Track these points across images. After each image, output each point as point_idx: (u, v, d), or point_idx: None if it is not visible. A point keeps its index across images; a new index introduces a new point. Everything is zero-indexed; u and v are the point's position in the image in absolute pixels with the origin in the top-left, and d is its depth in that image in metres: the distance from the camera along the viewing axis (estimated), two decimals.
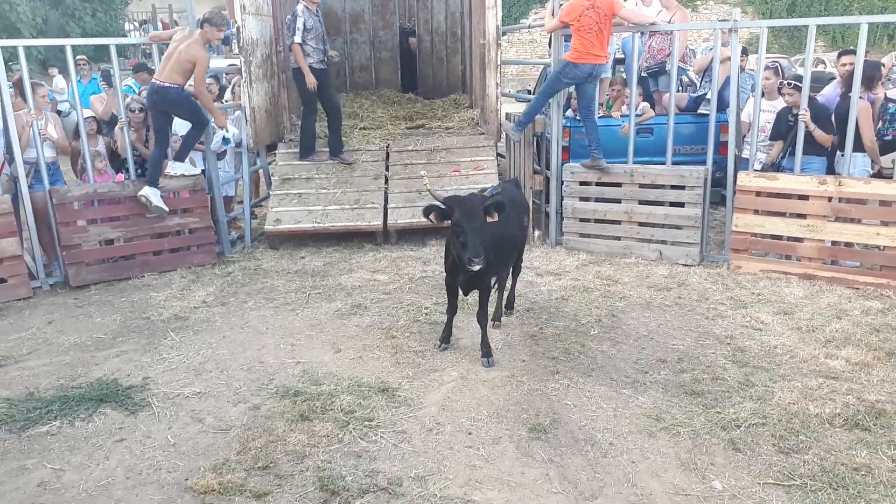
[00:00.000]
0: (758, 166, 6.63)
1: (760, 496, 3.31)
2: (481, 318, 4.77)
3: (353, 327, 5.41)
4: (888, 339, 4.92)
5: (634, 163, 7.05)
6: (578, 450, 3.73)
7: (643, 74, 7.98)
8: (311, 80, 7.64)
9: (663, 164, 6.95)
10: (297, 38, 7.53)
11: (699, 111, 7.79)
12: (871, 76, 6.23)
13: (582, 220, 7.29)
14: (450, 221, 4.36)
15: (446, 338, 5.02)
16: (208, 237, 7.11)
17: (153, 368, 4.77)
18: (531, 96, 9.63)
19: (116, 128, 7.06)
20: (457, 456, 3.70)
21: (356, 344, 5.10)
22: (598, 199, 7.27)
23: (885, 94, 6.66)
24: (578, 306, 5.71)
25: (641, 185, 6.97)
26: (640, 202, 7.00)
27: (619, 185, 7.07)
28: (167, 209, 6.75)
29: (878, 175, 6.42)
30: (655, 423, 3.95)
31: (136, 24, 27.63)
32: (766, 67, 6.71)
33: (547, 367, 4.69)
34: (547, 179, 7.57)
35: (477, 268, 4.24)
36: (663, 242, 6.89)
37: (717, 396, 4.21)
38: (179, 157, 6.95)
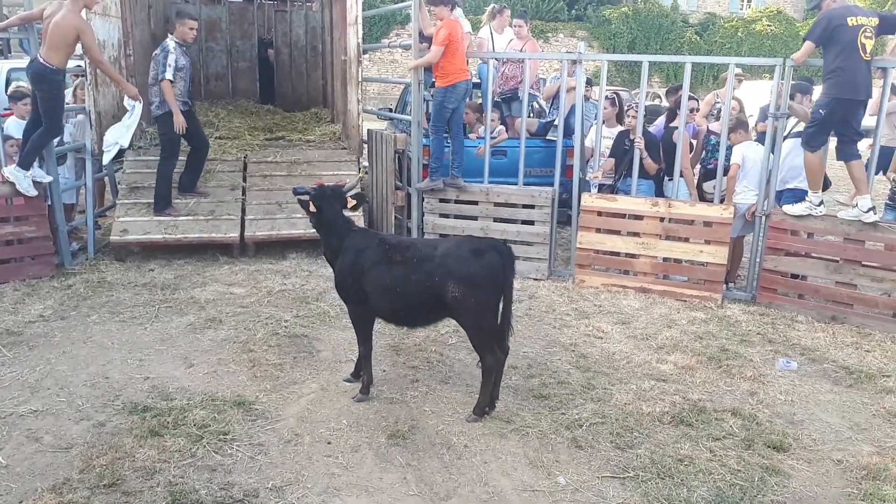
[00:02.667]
0: (594, 190, 7.19)
1: (599, 488, 3.61)
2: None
3: (208, 341, 5.25)
4: (710, 345, 5.50)
5: (489, 183, 7.41)
6: (435, 453, 3.86)
7: (497, 99, 8.40)
8: (179, 120, 7.12)
9: (516, 184, 7.35)
10: (168, 75, 7.02)
11: (548, 136, 8.31)
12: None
13: (442, 235, 7.52)
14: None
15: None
16: (46, 247, 6.60)
17: None
18: (392, 114, 9.85)
19: None
20: (315, 465, 3.71)
21: (210, 358, 4.96)
22: (456, 217, 7.55)
23: (708, 127, 7.48)
24: None
25: (496, 204, 7.32)
26: (495, 220, 7.35)
27: (475, 203, 7.38)
28: (34, 192, 6.39)
29: (702, 199, 7.17)
30: (506, 425, 4.17)
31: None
32: (606, 98, 7.31)
33: (407, 375, 4.81)
34: (408, 195, 7.75)
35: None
36: (516, 258, 7.24)
37: (563, 399, 4.52)
38: (23, 162, 6.39)
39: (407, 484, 3.58)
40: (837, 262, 6.20)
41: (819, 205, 6.21)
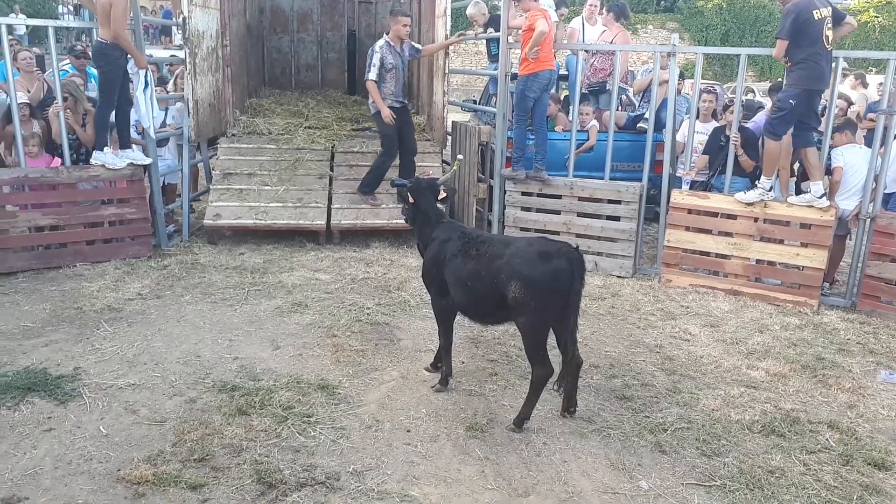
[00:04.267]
0: (686, 187, 6.94)
1: (683, 496, 3.49)
2: None
3: (294, 325, 5.38)
4: (804, 352, 5.23)
5: (574, 177, 7.28)
6: (513, 448, 3.83)
7: (584, 91, 8.23)
8: (385, 113, 7.20)
9: (601, 178, 7.20)
10: (372, 75, 7.19)
11: (637, 127, 8.09)
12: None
13: (523, 229, 7.46)
14: None
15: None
16: (145, 229, 6.94)
17: (85, 359, 4.64)
18: (477, 106, 9.82)
19: (51, 111, 6.82)
20: (395, 452, 3.75)
21: (296, 341, 5.09)
22: (538, 210, 7.46)
23: None
24: None
25: (580, 199, 7.19)
26: (579, 214, 7.22)
27: (559, 197, 7.28)
28: (123, 164, 6.69)
29: None
30: (587, 424, 4.10)
31: (70, 6, 26.65)
32: (707, 91, 7.04)
33: (485, 368, 4.79)
34: (490, 188, 7.72)
35: None
36: (599, 254, 7.12)
37: (646, 401, 4.40)
38: (98, 143, 6.68)
39: (485, 477, 3.57)
40: None
41: (769, 190, 6.31)
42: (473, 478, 3.57)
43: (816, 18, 5.74)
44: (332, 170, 8.01)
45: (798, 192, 6.90)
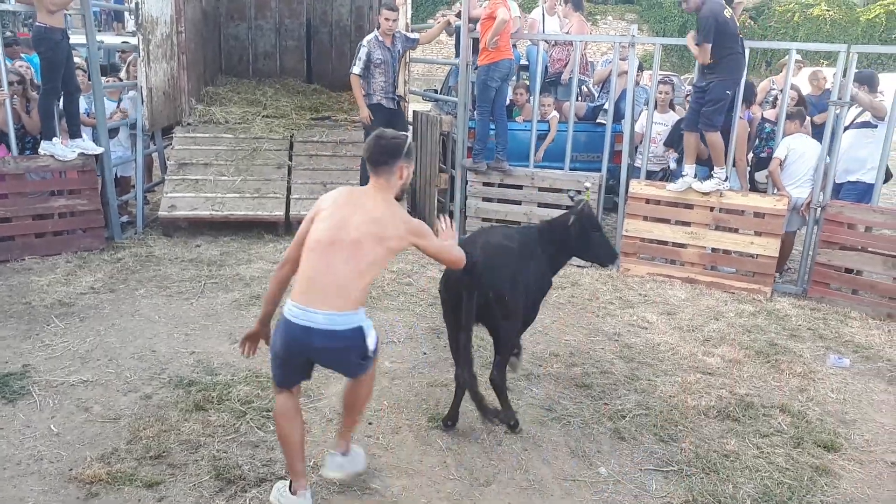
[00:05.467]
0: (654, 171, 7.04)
1: (641, 481, 3.55)
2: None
3: (252, 318, 5.26)
4: (757, 338, 5.36)
5: (535, 167, 7.31)
6: (475, 438, 3.85)
7: (545, 82, 8.26)
8: (363, 114, 7.10)
9: (562, 169, 7.24)
10: (356, 70, 7.05)
11: (597, 121, 8.15)
12: (747, 97, 6.77)
13: (484, 219, 7.48)
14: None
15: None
16: (97, 220, 6.75)
17: (34, 356, 4.50)
18: (438, 95, 9.78)
19: None
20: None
21: None
22: (500, 200, 7.48)
23: (762, 114, 7.25)
24: None
25: (541, 189, 7.23)
26: (539, 205, 7.25)
27: (520, 187, 7.31)
28: (73, 155, 6.46)
29: (753, 189, 6.96)
30: (548, 413, 4.14)
31: None
32: (664, 82, 7.12)
33: (448, 359, 4.74)
34: (452, 178, 7.71)
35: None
36: None
37: (605, 389, 4.46)
38: (46, 132, 6.42)
39: (447, 468, 3.57)
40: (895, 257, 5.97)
41: (725, 180, 6.48)
42: (435, 468, 3.57)
43: (728, 16, 6.06)
44: (290, 160, 7.89)
45: (752, 182, 7.06)
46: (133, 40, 7.41)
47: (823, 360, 5.05)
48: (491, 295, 3.64)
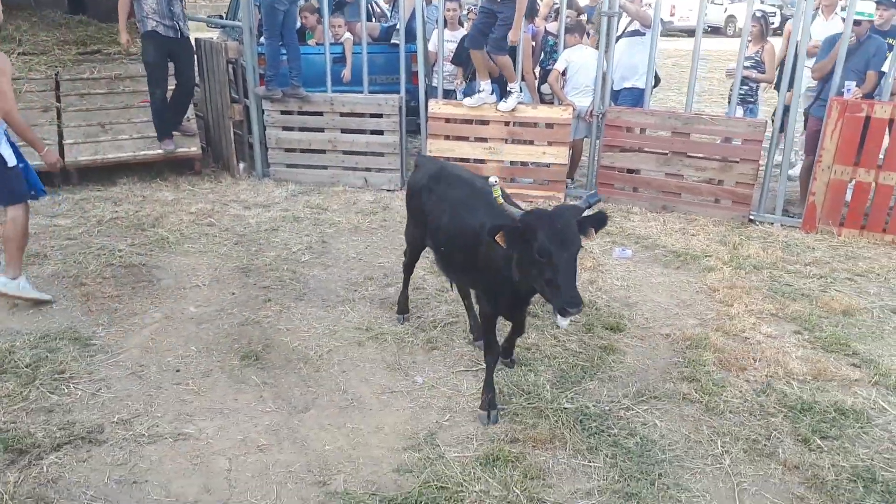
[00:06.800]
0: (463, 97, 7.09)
1: (454, 383, 3.74)
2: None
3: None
4: None
5: (333, 92, 7.14)
6: (292, 369, 3.82)
7: (334, 1, 7.98)
8: (123, 38, 6.70)
9: (361, 93, 7.14)
10: None
11: (391, 41, 8.07)
12: (530, 11, 7.00)
13: (287, 150, 7.24)
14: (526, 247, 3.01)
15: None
16: None
17: None
18: (224, 21, 9.15)
19: None
20: (164, 394, 3.56)
21: None
22: (301, 129, 7.24)
23: (546, 28, 7.56)
24: (289, 235, 5.74)
25: (342, 114, 7.10)
26: (343, 131, 7.14)
27: (320, 114, 7.12)
28: None
29: (542, 101, 7.32)
30: (364, 333, 4.20)
31: None
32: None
33: (258, 296, 4.67)
34: (247, 108, 7.32)
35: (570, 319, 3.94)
36: (368, 170, 7.15)
37: (418, 304, 4.60)
38: None
39: (263, 402, 3.53)
40: (666, 154, 6.61)
41: (521, 92, 6.74)
42: (252, 404, 3.51)
43: None
44: (58, 101, 7.05)
45: (540, 95, 7.39)
46: None
47: (610, 254, 5.55)
48: None
